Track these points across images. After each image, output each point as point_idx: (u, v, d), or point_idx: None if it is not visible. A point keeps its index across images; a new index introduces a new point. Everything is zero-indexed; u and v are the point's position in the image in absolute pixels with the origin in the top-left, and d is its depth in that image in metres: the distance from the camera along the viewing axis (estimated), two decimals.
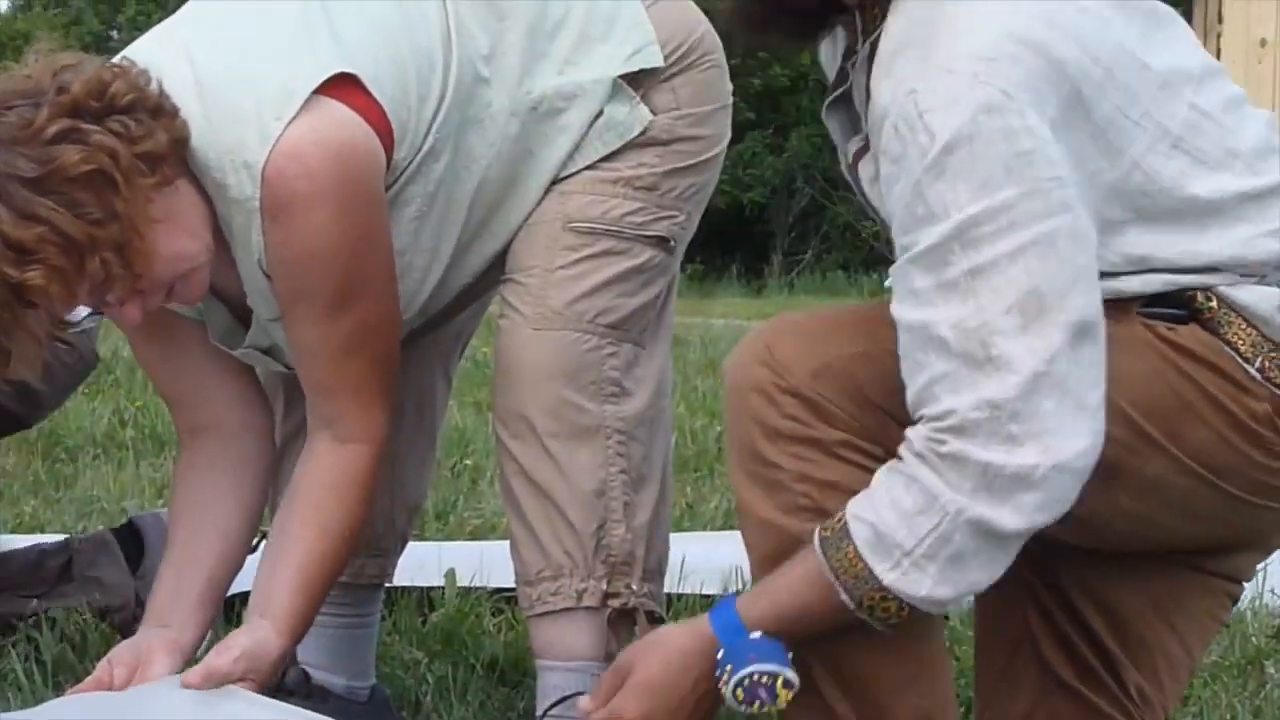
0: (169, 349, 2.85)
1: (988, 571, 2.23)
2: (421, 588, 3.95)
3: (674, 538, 4.59)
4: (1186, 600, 2.60)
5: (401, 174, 2.72)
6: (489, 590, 3.84)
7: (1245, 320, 2.40)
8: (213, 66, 2.64)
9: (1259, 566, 3.90)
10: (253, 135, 2.56)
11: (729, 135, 3.12)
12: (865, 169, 2.51)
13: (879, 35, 2.42)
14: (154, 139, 2.47)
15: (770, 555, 2.28)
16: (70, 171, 2.38)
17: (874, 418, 2.25)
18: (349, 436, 2.70)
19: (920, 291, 2.28)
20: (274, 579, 2.66)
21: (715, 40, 3.09)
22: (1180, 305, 2.40)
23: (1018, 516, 2.16)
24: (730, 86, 3.14)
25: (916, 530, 2.18)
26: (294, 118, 2.55)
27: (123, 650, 2.70)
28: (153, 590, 2.84)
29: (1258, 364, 2.37)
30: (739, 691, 2.23)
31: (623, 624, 2.83)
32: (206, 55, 2.67)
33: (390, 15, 2.74)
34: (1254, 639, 3.79)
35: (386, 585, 3.45)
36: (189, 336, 2.82)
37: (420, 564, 3.98)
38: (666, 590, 3.82)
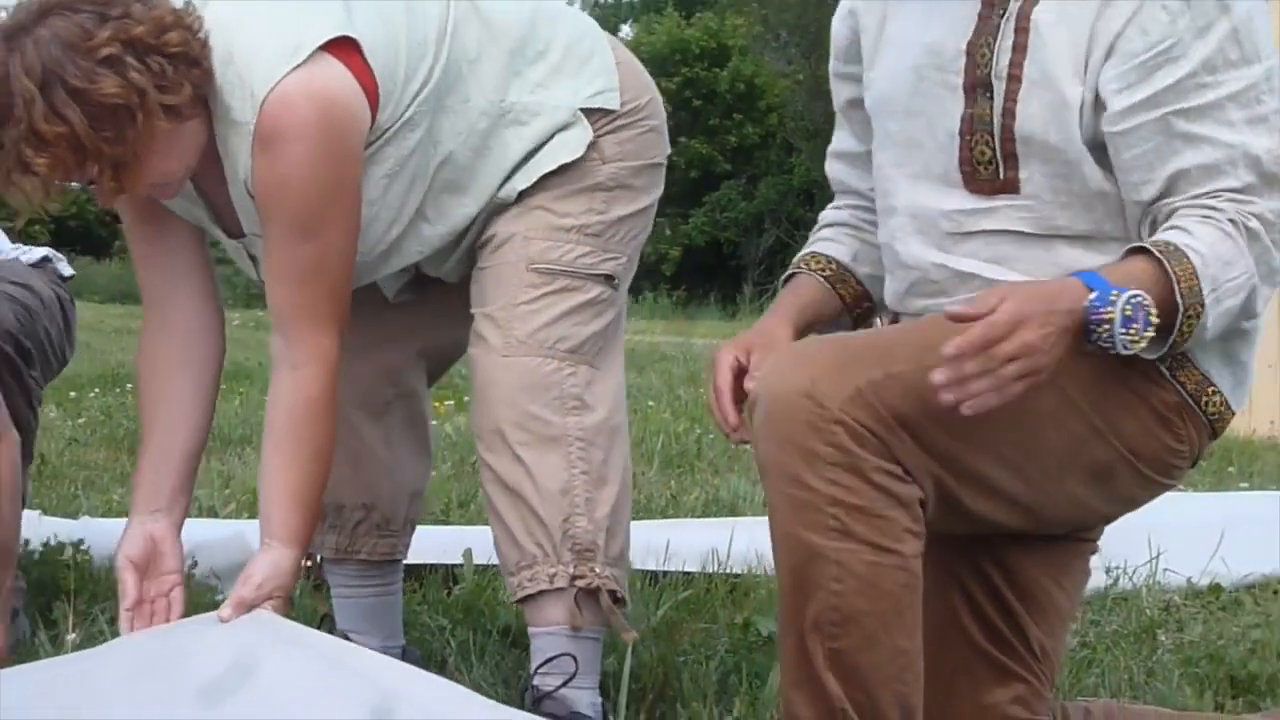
0: (158, 243, 2.83)
1: (1220, 327, 2.31)
2: (446, 566, 3.93)
3: (659, 524, 4.64)
4: (1071, 563, 2.62)
5: (382, 135, 2.73)
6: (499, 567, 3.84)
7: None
8: (247, 11, 2.66)
9: (1155, 553, 3.91)
10: (262, 72, 2.56)
11: (661, 189, 3.14)
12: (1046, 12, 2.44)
13: None
14: (181, 92, 2.48)
15: (795, 566, 2.23)
16: (103, 97, 2.39)
17: (896, 437, 2.19)
18: (302, 361, 2.67)
19: (1235, 123, 2.33)
20: (270, 505, 2.66)
21: (660, 106, 3.13)
22: None
23: (1262, 305, 2.36)
24: (668, 148, 3.15)
25: (1226, 274, 2.23)
26: (298, 66, 2.56)
27: (132, 545, 2.71)
28: (138, 477, 2.82)
29: (1166, 364, 2.40)
30: (1127, 308, 2.19)
31: (588, 601, 2.83)
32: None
33: (397, 4, 2.78)
34: (1148, 611, 3.78)
35: (419, 564, 3.45)
36: (177, 234, 2.80)
37: (445, 546, 4.02)
38: (654, 568, 3.83)
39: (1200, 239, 2.25)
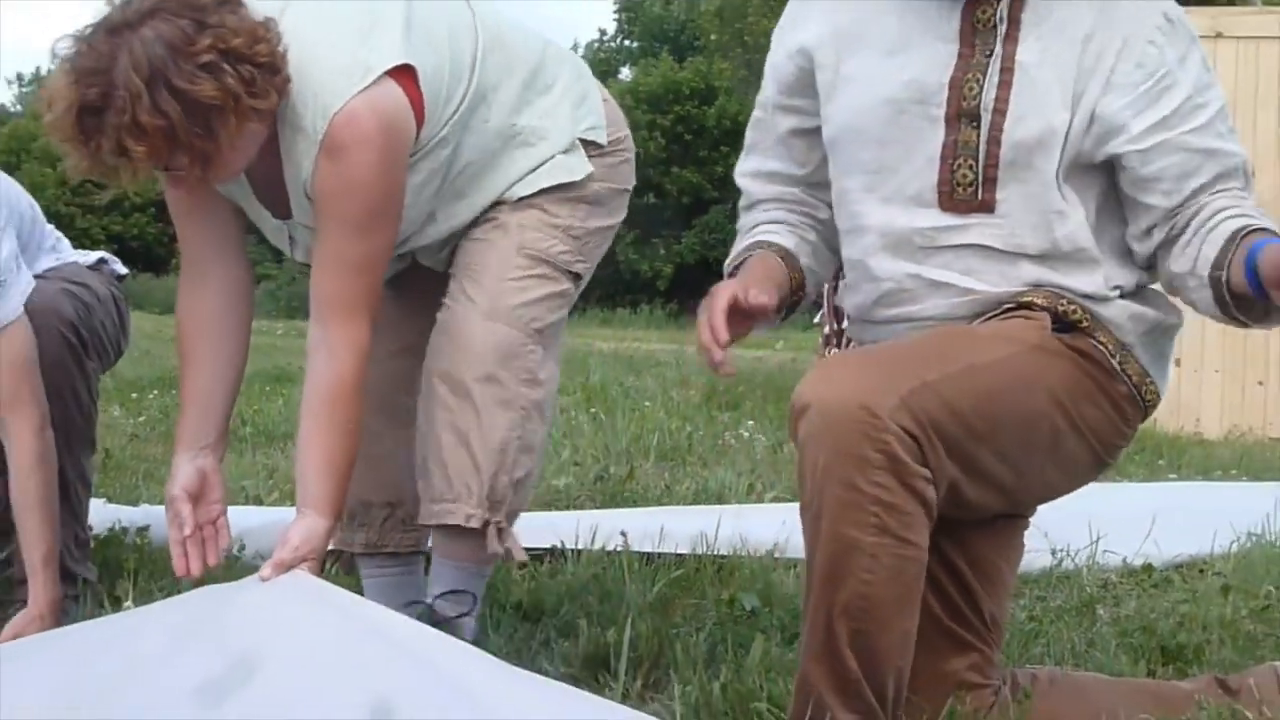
0: (199, 210, 2.84)
1: None
2: None
3: (654, 511, 4.63)
4: (1014, 539, 2.64)
5: (420, 150, 2.79)
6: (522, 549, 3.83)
7: (1107, 328, 2.47)
8: (317, 28, 2.69)
9: (1095, 537, 3.90)
10: (333, 89, 2.61)
11: (624, 214, 3.24)
12: (1034, 50, 2.49)
13: None
14: (268, 99, 2.53)
15: (832, 556, 2.20)
16: (202, 98, 2.42)
17: (930, 443, 2.20)
18: (339, 346, 2.70)
19: (1224, 134, 2.49)
20: (306, 477, 2.69)
21: (631, 141, 3.25)
22: (1059, 319, 2.44)
23: None
24: (634, 179, 3.26)
25: None
26: (366, 88, 2.61)
27: (186, 479, 2.75)
28: (183, 420, 2.86)
29: (1117, 359, 2.44)
30: None
31: (491, 541, 2.92)
32: (312, 15, 2.71)
33: (443, 35, 2.83)
34: (1088, 589, 3.77)
35: None
36: (216, 202, 2.82)
37: None
38: (649, 550, 3.81)
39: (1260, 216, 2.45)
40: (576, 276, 3.05)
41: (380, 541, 3.19)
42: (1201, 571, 4.05)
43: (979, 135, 2.46)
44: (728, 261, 2.68)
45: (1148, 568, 4.02)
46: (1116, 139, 2.47)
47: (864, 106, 2.51)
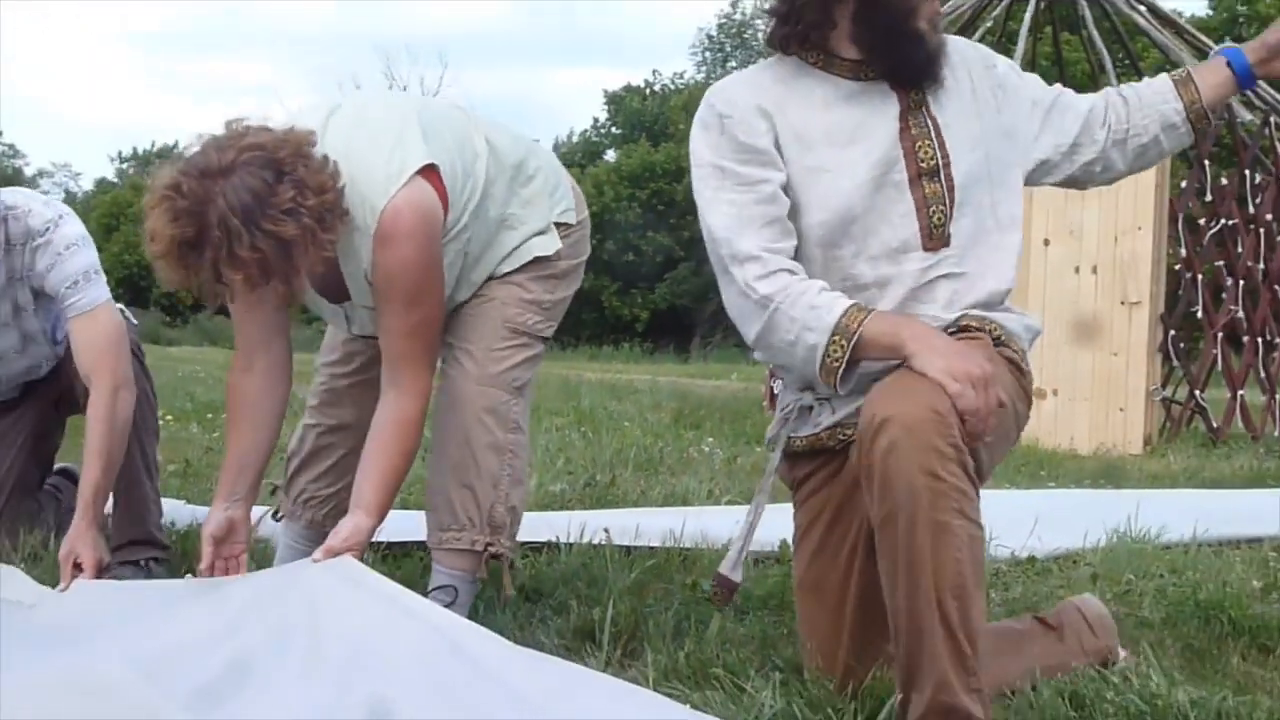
0: (254, 308, 2.85)
1: None
2: None
3: (632, 511, 4.61)
4: None
5: (447, 235, 2.85)
6: (520, 543, 3.80)
7: (1014, 338, 2.50)
8: (356, 142, 2.75)
9: (989, 534, 3.88)
10: (379, 190, 2.68)
11: (581, 280, 3.27)
12: (946, 109, 2.55)
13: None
14: (335, 231, 2.59)
15: (933, 540, 2.12)
16: (285, 237, 2.46)
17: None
18: (407, 391, 2.77)
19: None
20: (363, 483, 2.74)
21: (588, 220, 3.28)
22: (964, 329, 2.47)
23: None
24: (588, 250, 3.30)
25: None
26: (403, 185, 2.69)
27: (214, 525, 2.78)
28: (223, 475, 2.90)
29: (1023, 362, 2.50)
30: None
31: (486, 566, 3.01)
32: (351, 134, 2.78)
33: (451, 139, 2.89)
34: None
35: None
36: (268, 302, 2.80)
37: None
38: (628, 544, 3.80)
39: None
40: (547, 339, 3.13)
41: (325, 521, 3.20)
42: (1075, 562, 4.06)
43: (941, 185, 2.49)
44: (840, 314, 2.34)
45: (1031, 559, 4.02)
46: (1033, 129, 2.65)
47: (846, 190, 2.46)
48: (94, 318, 3.25)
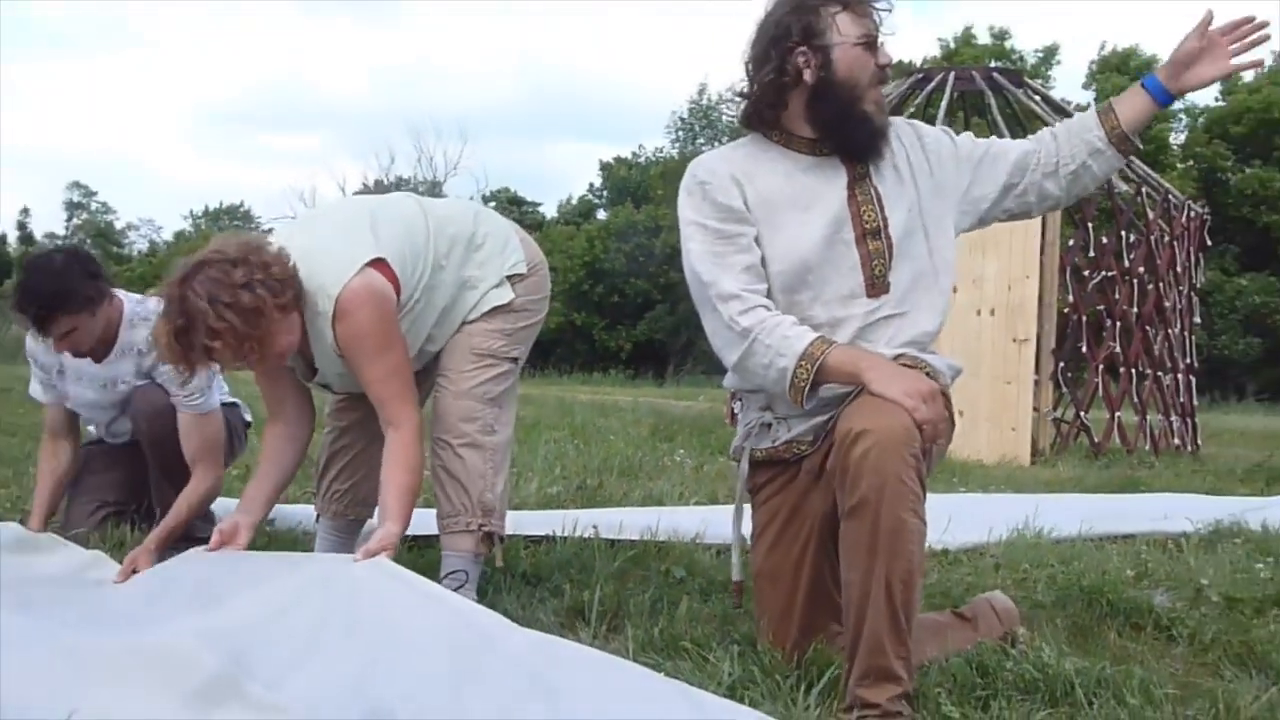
0: (273, 377, 3.01)
1: None
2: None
3: (616, 510, 4.60)
4: None
5: (404, 309, 2.91)
6: (523, 536, 3.78)
7: (939, 375, 2.49)
8: (314, 243, 2.85)
9: None
10: (333, 280, 2.76)
11: (545, 311, 3.28)
12: (886, 180, 2.56)
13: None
14: (287, 296, 2.70)
15: (889, 531, 2.17)
16: (245, 305, 2.61)
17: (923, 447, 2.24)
18: (401, 426, 2.83)
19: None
20: (387, 500, 2.78)
21: (545, 265, 3.29)
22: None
23: None
24: (549, 289, 3.31)
25: None
26: (353, 276, 2.77)
27: (225, 521, 2.88)
28: (246, 491, 3.00)
29: (948, 395, 2.50)
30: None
31: (484, 540, 3.04)
32: (311, 237, 2.89)
33: (401, 230, 2.96)
34: None
35: None
36: (282, 372, 2.99)
37: None
38: (612, 538, 3.79)
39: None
40: (514, 359, 3.15)
41: (349, 511, 3.33)
42: (981, 554, 4.05)
43: (883, 243, 2.50)
44: (806, 344, 2.36)
45: (945, 551, 4.01)
46: (964, 181, 2.64)
47: (805, 246, 2.47)
48: (207, 420, 3.47)
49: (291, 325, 2.75)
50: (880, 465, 2.16)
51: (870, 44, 2.47)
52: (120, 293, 3.56)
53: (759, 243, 2.47)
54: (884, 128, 2.53)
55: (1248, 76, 39.91)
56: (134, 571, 2.92)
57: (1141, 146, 2.66)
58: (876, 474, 2.16)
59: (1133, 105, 2.61)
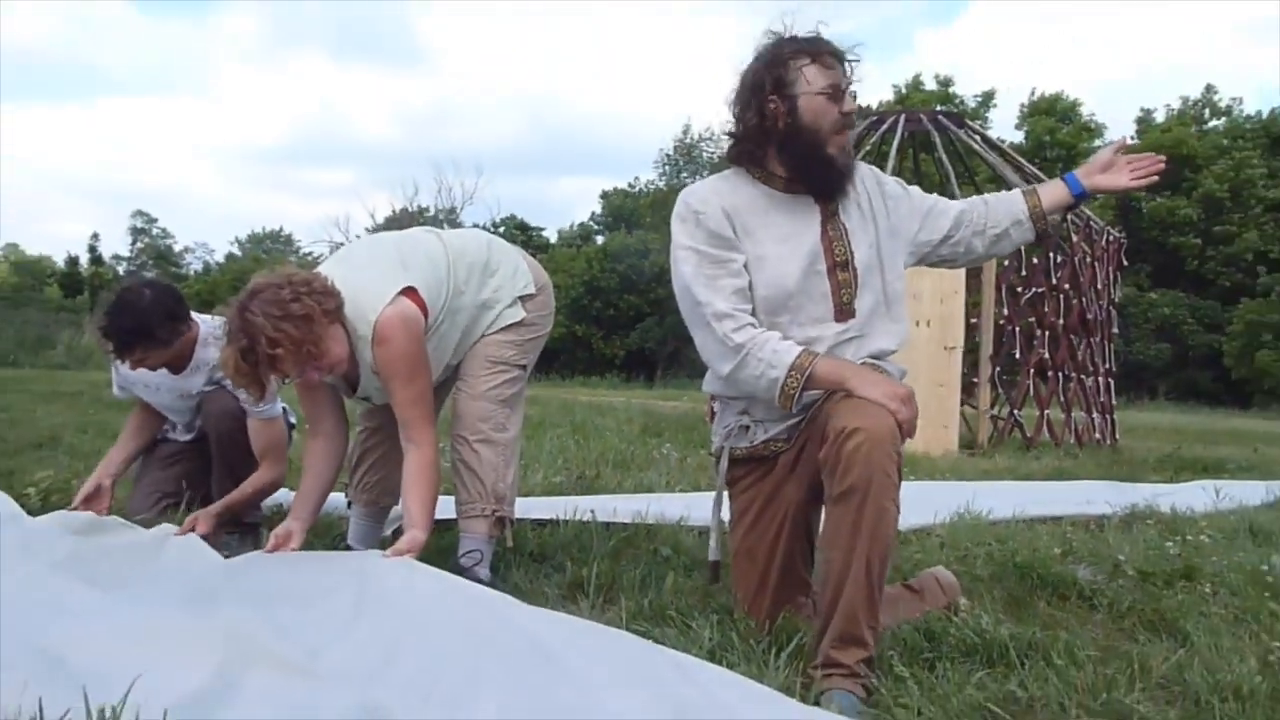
0: (314, 395, 2.98)
1: None
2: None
3: (611, 497, 4.58)
4: None
5: (430, 331, 2.91)
6: (530, 520, 3.78)
7: (892, 377, 2.49)
8: (352, 276, 2.84)
9: None
10: (371, 308, 2.78)
11: (551, 324, 3.28)
12: (848, 210, 2.56)
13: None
14: (330, 303, 2.71)
15: (876, 517, 2.17)
16: (296, 314, 2.62)
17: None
18: (421, 444, 2.83)
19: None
20: (411, 509, 2.78)
21: (549, 284, 3.29)
22: None
23: None
24: (554, 306, 3.31)
25: None
26: (388, 304, 2.78)
27: (282, 529, 2.84)
28: (295, 500, 2.97)
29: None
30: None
31: (496, 525, 3.05)
32: (349, 269, 2.89)
33: (426, 262, 2.97)
34: None
35: None
36: (323, 390, 2.97)
37: None
38: (608, 521, 3.79)
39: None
40: (522, 367, 3.15)
41: (378, 501, 3.34)
42: (928, 535, 4.05)
43: (850, 276, 2.50)
44: (795, 356, 2.37)
45: (896, 532, 4.02)
46: (914, 227, 2.66)
47: (784, 274, 2.47)
48: (273, 423, 3.51)
49: (339, 335, 2.74)
50: (870, 459, 2.16)
51: (834, 94, 2.44)
52: (197, 316, 3.57)
53: (746, 269, 2.46)
54: (847, 169, 2.52)
55: (1160, 118, 40.07)
56: (193, 529, 3.00)
57: (1051, 228, 2.72)
58: (866, 466, 2.16)
59: (1052, 193, 2.71)
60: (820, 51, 2.46)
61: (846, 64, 2.49)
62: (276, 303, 2.61)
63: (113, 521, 3.20)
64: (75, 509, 3.31)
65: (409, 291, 2.82)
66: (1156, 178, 2.65)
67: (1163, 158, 2.65)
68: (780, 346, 2.38)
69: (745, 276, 2.45)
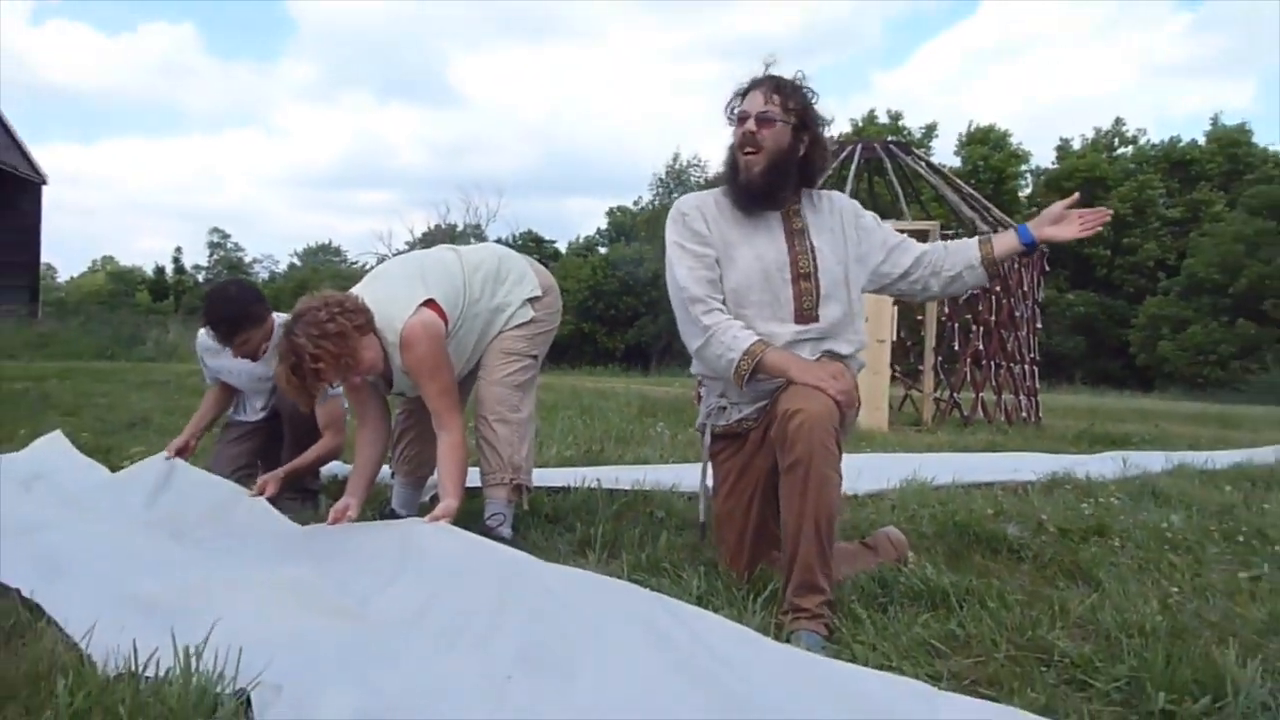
0: (360, 394, 2.93)
1: None
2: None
3: (613, 468, 4.56)
4: None
5: (451, 336, 2.89)
6: (546, 487, 3.78)
7: (852, 369, 2.50)
8: (382, 292, 2.84)
9: None
10: (398, 318, 2.77)
11: (558, 320, 3.22)
12: (818, 231, 2.53)
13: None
14: (361, 319, 2.70)
15: (819, 485, 2.17)
16: (333, 330, 2.63)
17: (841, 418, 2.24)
18: (451, 429, 2.80)
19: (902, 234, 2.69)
20: (444, 481, 2.75)
21: (555, 286, 3.23)
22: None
23: None
24: (560, 305, 3.24)
25: None
26: (412, 314, 2.78)
27: (341, 504, 2.82)
28: (350, 479, 2.94)
29: (855, 384, 2.44)
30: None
31: (514, 491, 3.02)
32: (380, 285, 2.89)
33: (444, 276, 2.95)
34: None
35: None
36: (366, 389, 2.93)
37: None
38: (611, 488, 3.77)
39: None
40: (534, 357, 3.12)
41: (416, 472, 3.32)
42: (881, 499, 4.05)
43: (812, 286, 2.48)
44: (749, 344, 2.38)
45: (855, 496, 4.01)
46: (878, 258, 2.61)
47: (749, 275, 2.47)
48: (335, 401, 3.46)
49: (371, 343, 2.74)
50: (810, 435, 2.17)
51: (741, 118, 2.48)
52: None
53: (719, 264, 2.47)
54: (750, 183, 2.47)
55: (1076, 145, 39.97)
56: (264, 490, 3.04)
57: (1003, 272, 2.70)
58: (807, 442, 2.17)
59: (1004, 242, 2.60)
60: (747, 86, 2.49)
61: (761, 90, 2.46)
62: (315, 324, 2.63)
63: (197, 472, 3.32)
64: (169, 457, 3.46)
65: (429, 303, 2.82)
66: (1101, 229, 2.59)
67: (1110, 212, 2.57)
68: (740, 334, 2.39)
69: (718, 270, 2.47)
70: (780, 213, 2.53)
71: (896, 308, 8.95)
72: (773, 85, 2.46)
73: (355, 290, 2.88)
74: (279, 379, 2.67)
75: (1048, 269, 11.89)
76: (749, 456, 2.56)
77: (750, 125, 2.45)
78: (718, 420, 2.60)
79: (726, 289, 2.47)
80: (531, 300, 3.12)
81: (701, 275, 2.45)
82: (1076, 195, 2.64)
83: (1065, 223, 2.57)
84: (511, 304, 3.08)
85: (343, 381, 2.75)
